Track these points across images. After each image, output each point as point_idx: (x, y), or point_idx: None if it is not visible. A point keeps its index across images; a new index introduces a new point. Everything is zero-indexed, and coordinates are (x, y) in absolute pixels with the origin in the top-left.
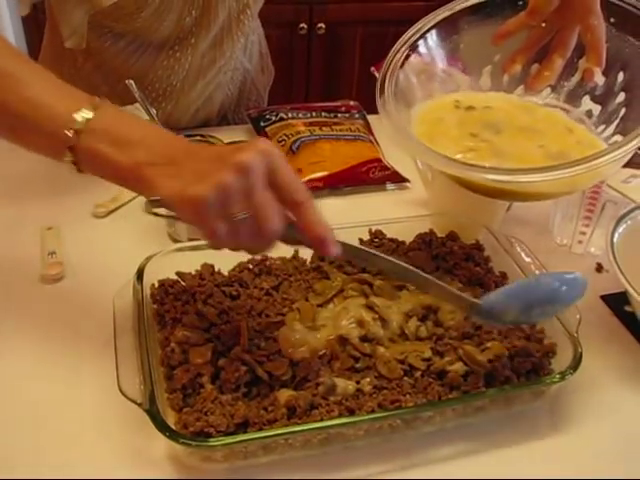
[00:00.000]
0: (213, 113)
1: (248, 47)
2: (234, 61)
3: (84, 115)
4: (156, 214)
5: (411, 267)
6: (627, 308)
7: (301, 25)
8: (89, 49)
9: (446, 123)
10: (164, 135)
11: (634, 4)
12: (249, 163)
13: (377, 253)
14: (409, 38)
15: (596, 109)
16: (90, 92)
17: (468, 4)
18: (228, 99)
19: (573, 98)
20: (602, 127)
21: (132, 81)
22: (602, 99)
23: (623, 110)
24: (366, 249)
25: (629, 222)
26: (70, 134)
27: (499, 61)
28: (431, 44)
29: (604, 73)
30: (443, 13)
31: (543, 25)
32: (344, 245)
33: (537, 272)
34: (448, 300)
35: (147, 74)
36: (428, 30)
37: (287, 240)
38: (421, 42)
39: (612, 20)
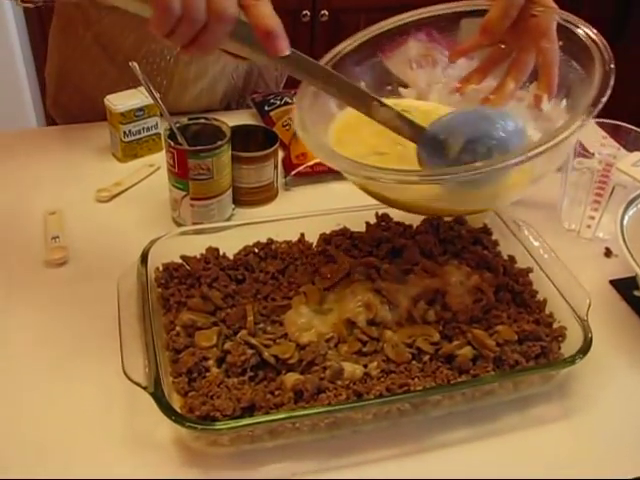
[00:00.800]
0: (216, 101)
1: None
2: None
3: None
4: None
5: (354, 84)
6: (636, 293)
7: (304, 12)
8: (88, 18)
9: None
10: None
11: (575, 23)
12: None
13: (319, 63)
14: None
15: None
16: (94, 69)
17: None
18: (231, 88)
19: None
20: None
21: (136, 64)
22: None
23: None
24: (308, 58)
25: (638, 206)
26: None
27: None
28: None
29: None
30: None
31: (502, 47)
32: (292, 49)
33: (546, 256)
34: (395, 129)
35: (141, 47)
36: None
37: (231, 43)
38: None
39: (560, 43)
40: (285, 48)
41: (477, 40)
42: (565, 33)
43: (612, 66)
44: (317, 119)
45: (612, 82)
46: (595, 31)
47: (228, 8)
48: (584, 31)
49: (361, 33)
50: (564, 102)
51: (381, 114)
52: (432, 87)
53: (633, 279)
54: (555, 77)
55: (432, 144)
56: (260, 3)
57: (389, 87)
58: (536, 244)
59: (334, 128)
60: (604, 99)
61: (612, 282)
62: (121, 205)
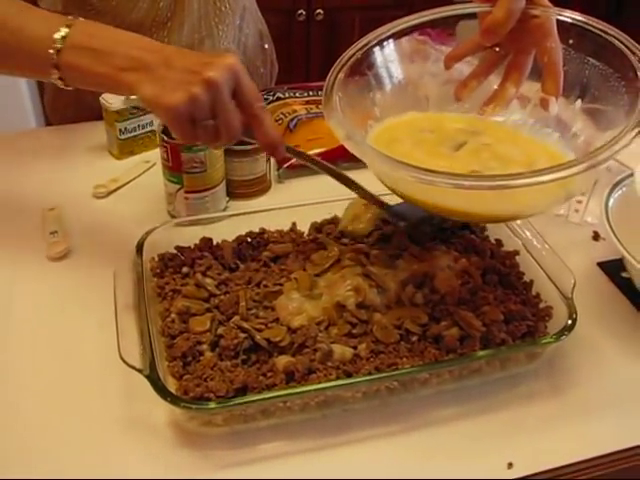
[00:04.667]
0: None
1: (242, 40)
2: (223, 51)
3: (62, 34)
4: (136, 107)
5: (342, 172)
6: (623, 274)
7: (299, 11)
8: None
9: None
10: (137, 40)
11: (592, 23)
12: (217, 79)
13: (316, 158)
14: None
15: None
16: None
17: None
18: None
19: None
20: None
21: None
22: (561, 127)
23: (582, 137)
24: (306, 154)
25: (623, 189)
26: (53, 53)
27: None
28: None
29: (564, 95)
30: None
31: (497, 50)
32: (289, 150)
33: (532, 238)
34: (367, 199)
35: None
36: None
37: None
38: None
39: (570, 42)
40: (283, 154)
41: (475, 42)
42: (575, 31)
43: None
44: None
45: None
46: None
47: (235, 134)
48: (611, 35)
49: (362, 40)
50: (579, 102)
51: (360, 192)
52: (425, 80)
53: (620, 261)
54: (561, 76)
55: (395, 215)
56: (266, 117)
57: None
58: (523, 228)
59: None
60: None
61: (600, 264)
62: (118, 201)
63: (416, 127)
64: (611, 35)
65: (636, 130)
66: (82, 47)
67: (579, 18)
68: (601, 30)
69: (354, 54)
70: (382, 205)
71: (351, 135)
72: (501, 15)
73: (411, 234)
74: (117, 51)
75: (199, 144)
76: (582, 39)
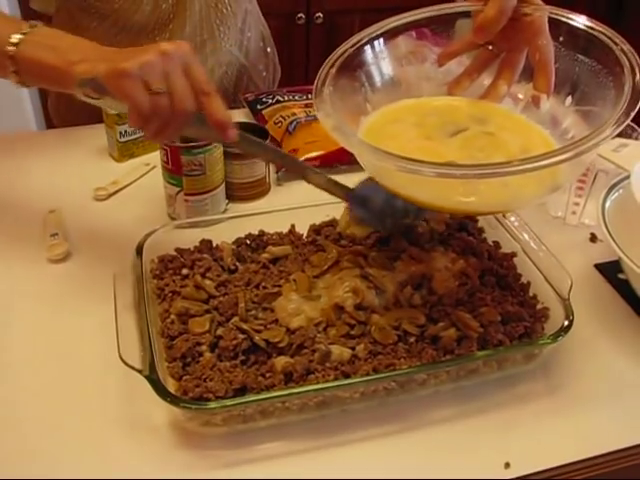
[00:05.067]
0: None
1: (244, 43)
2: (225, 54)
3: (23, 32)
4: (88, 96)
5: (293, 157)
6: (620, 276)
7: (299, 15)
8: (80, 28)
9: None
10: (96, 45)
11: (580, 20)
12: (171, 51)
13: (264, 143)
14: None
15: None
16: None
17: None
18: (222, 93)
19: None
20: None
21: None
22: (552, 124)
23: (572, 133)
24: (255, 139)
25: (620, 191)
26: (10, 48)
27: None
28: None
29: (555, 92)
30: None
31: (490, 48)
32: (241, 135)
33: (529, 241)
34: (326, 189)
35: None
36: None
37: (191, 130)
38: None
39: (561, 39)
40: (234, 135)
41: (468, 41)
42: (565, 27)
43: None
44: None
45: None
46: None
47: (188, 107)
48: (592, 26)
49: (355, 37)
50: (569, 99)
51: (315, 179)
52: (422, 82)
53: (617, 262)
54: (553, 74)
55: (359, 200)
56: (215, 98)
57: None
58: (520, 230)
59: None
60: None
61: (597, 266)
62: (118, 203)
63: (422, 110)
64: (598, 31)
65: (620, 121)
66: (39, 43)
67: (568, 15)
68: (589, 27)
69: (346, 50)
70: (345, 191)
71: (339, 126)
72: (493, 13)
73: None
74: (74, 48)
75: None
76: (572, 36)
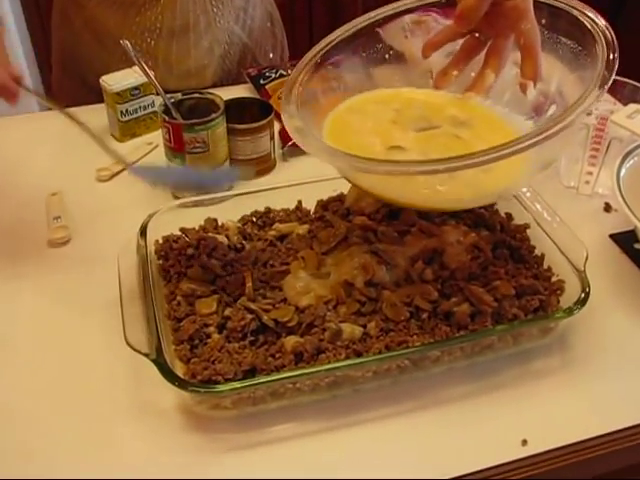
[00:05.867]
0: (207, 85)
1: (247, 22)
2: (223, 32)
3: None
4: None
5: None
6: (636, 246)
7: None
8: (79, 4)
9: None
10: None
11: (560, 1)
12: None
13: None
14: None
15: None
16: (87, 53)
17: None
18: (225, 73)
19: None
20: None
21: (127, 42)
22: (536, 110)
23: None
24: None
25: (635, 158)
26: None
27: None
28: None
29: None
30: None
31: (477, 36)
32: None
33: (542, 212)
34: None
35: (123, 30)
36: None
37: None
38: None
39: (543, 22)
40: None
41: (452, 29)
42: (547, 10)
43: (616, 55)
44: (309, 122)
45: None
46: (592, 11)
47: None
48: (580, 11)
49: (360, 19)
50: (554, 84)
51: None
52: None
53: (633, 232)
54: (539, 58)
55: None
56: None
57: (386, 56)
58: (533, 200)
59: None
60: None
61: (612, 236)
62: (121, 183)
63: (403, 100)
64: (578, 10)
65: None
66: None
67: None
68: (569, 6)
69: (318, 52)
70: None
71: (300, 128)
72: (472, 0)
73: None
74: None
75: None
76: (554, 18)
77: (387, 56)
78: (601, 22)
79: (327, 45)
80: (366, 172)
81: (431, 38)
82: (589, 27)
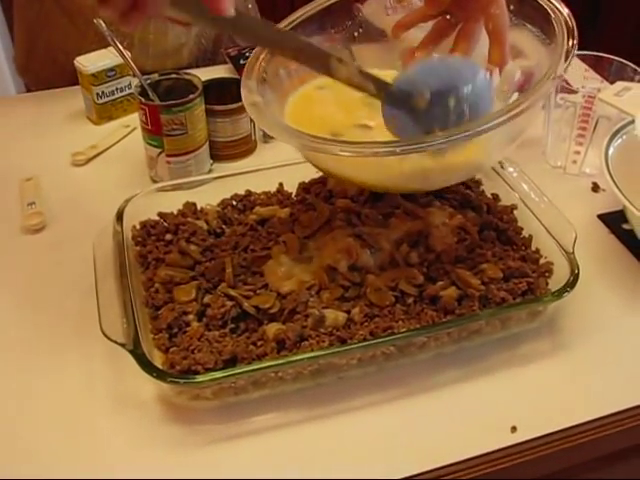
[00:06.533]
0: (182, 63)
1: None
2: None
3: None
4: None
5: (310, 42)
6: (625, 226)
7: None
8: None
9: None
10: None
11: None
12: None
13: (268, 24)
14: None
15: None
16: (57, 32)
17: None
18: (201, 52)
19: None
20: None
21: (101, 20)
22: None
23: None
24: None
25: (624, 137)
26: None
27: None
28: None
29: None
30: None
31: (448, 17)
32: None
33: (530, 192)
34: (359, 86)
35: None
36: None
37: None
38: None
39: (512, 8)
40: (227, 8)
41: (422, 10)
42: None
43: (575, 41)
44: (270, 99)
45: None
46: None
47: None
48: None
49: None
50: (518, 72)
51: (342, 72)
52: (409, 31)
53: (621, 212)
54: (507, 44)
55: (398, 99)
56: None
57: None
58: (520, 181)
59: (289, 110)
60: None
61: (600, 217)
62: (98, 168)
63: None
64: None
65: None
66: None
67: None
68: None
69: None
70: (382, 85)
71: (256, 102)
72: None
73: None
74: None
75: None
76: (520, 5)
77: (360, 32)
78: (564, 10)
79: (297, 19)
80: (316, 152)
81: (402, 18)
82: (551, 14)
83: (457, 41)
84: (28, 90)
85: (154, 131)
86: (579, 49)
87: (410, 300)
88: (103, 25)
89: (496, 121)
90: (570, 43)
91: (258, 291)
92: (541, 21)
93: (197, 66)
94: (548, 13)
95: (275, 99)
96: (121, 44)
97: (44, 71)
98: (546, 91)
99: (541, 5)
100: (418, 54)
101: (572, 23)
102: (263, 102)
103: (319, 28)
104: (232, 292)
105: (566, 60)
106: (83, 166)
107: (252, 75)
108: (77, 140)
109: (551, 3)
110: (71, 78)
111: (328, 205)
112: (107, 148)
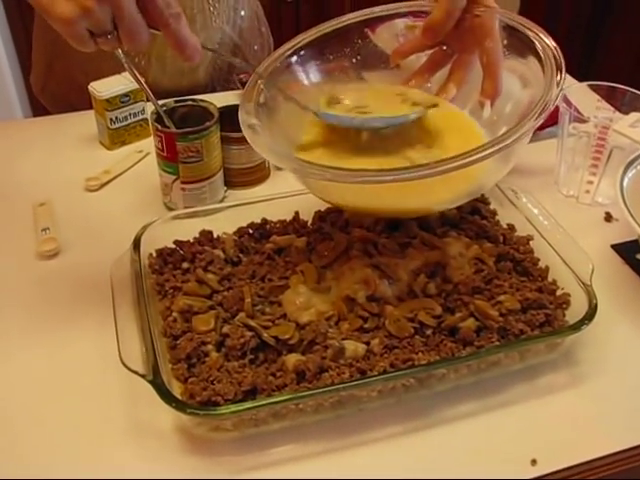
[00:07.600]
0: (198, 82)
1: (237, 22)
2: (216, 31)
3: None
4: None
5: None
6: (639, 256)
7: None
8: None
9: None
10: None
11: (518, 21)
12: None
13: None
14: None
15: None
16: (78, 53)
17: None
18: (216, 71)
19: None
20: None
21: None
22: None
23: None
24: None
25: (638, 167)
26: None
27: None
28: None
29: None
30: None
31: (444, 48)
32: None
33: (545, 222)
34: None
35: None
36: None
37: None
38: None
39: (505, 42)
40: (199, 57)
41: (420, 40)
42: (510, 31)
43: (563, 75)
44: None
45: (561, 88)
46: (544, 33)
47: (143, 41)
48: (534, 33)
49: (345, 17)
50: (509, 105)
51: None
52: (420, 59)
53: (635, 242)
54: (500, 77)
55: None
56: (178, 26)
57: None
58: (535, 211)
59: None
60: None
61: (614, 247)
62: (111, 193)
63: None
64: (532, 31)
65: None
66: None
67: (511, 17)
68: (524, 27)
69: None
70: None
71: (253, 125)
72: (439, 15)
73: None
74: None
75: None
76: (512, 40)
77: (370, 58)
78: (551, 43)
79: (294, 45)
80: (311, 177)
81: (400, 46)
82: (539, 48)
83: (452, 71)
84: (38, 113)
85: (170, 158)
86: (580, 78)
87: (429, 331)
88: (121, 53)
89: (482, 154)
90: (558, 77)
91: (277, 321)
92: (530, 54)
93: (212, 85)
94: (536, 46)
95: (271, 123)
96: (138, 62)
97: (62, 91)
98: (533, 125)
99: (529, 38)
100: (414, 82)
101: (559, 56)
102: (260, 125)
103: (326, 52)
104: (251, 322)
105: (555, 93)
106: (96, 191)
107: (252, 96)
108: (90, 165)
109: (538, 37)
110: (90, 99)
111: (345, 234)
112: (120, 173)
